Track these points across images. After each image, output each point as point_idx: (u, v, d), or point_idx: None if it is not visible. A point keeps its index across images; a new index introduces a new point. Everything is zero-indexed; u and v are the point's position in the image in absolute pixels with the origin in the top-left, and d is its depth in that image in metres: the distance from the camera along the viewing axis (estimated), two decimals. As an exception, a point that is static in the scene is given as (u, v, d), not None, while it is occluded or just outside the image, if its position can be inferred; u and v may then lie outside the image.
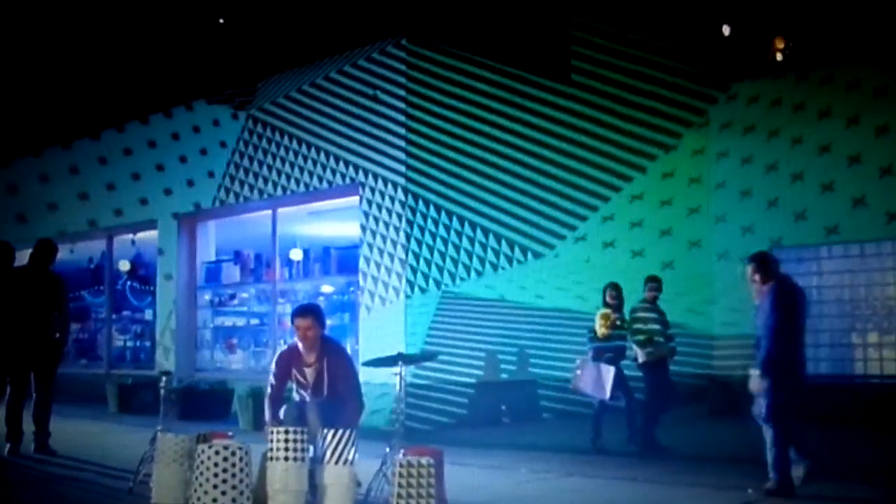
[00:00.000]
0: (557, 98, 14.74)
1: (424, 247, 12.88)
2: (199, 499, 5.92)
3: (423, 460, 5.67)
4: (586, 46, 15.39)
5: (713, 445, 10.71)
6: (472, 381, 13.16)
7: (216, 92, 15.56)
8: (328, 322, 14.11)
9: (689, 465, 8.99)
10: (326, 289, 14.81)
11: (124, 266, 18.04)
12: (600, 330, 10.08)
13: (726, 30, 17.65)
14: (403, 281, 12.65)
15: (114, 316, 18.00)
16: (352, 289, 13.99)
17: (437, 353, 11.07)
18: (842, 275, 14.66)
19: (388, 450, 6.27)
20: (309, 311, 6.95)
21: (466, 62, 13.65)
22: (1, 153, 18.93)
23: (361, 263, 13.21)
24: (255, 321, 15.82)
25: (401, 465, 5.70)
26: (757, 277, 7.33)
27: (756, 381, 7.13)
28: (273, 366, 7.04)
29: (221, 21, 16.36)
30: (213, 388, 13.58)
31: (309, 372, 6.89)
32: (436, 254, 13.01)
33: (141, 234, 17.36)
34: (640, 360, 10.07)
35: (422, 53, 13.25)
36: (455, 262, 13.22)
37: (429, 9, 13.39)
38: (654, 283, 10.36)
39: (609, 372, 9.76)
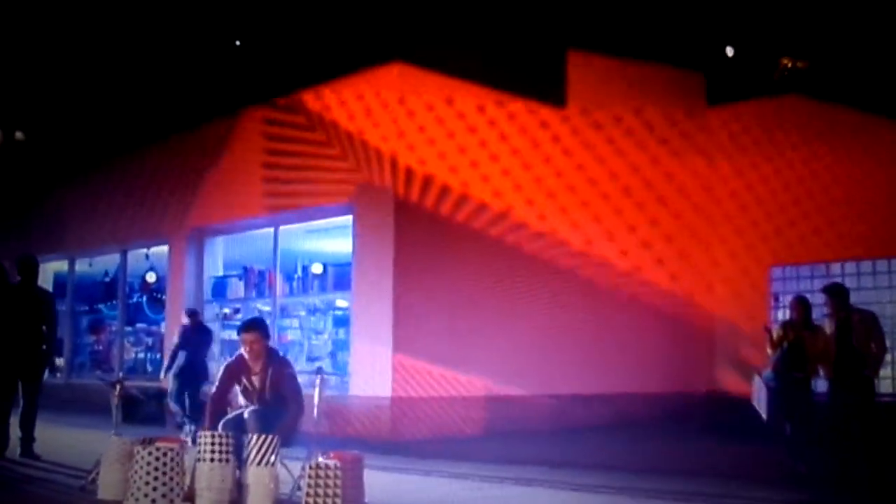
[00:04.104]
0: (551, 119, 15.03)
1: (413, 266, 13.27)
2: (132, 494, 6.50)
3: (331, 463, 6.11)
4: (582, 69, 15.67)
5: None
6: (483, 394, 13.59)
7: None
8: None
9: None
10: (341, 303, 15.14)
11: (151, 278, 18.63)
12: (768, 347, 9.52)
13: (730, 51, 17.87)
14: (392, 299, 13.05)
15: (128, 328, 18.59)
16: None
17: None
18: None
19: (308, 453, 6.71)
20: (254, 326, 7.62)
21: (458, 85, 13.97)
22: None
23: (354, 280, 13.67)
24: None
25: (310, 468, 6.17)
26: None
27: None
28: (221, 373, 7.63)
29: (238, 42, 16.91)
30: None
31: (256, 380, 7.45)
32: (425, 272, 13.41)
33: (154, 249, 18.00)
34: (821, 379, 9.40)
35: (414, 75, 13.60)
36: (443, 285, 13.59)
37: (422, 32, 13.74)
38: (830, 296, 9.30)
39: (762, 390, 9.07)
